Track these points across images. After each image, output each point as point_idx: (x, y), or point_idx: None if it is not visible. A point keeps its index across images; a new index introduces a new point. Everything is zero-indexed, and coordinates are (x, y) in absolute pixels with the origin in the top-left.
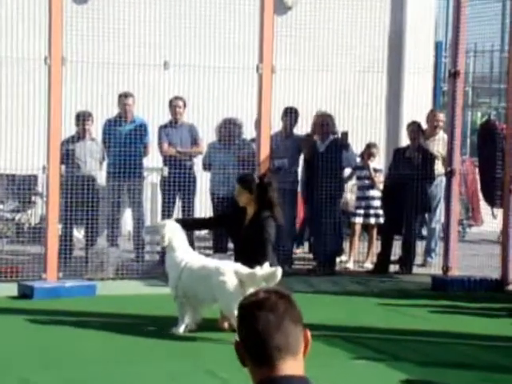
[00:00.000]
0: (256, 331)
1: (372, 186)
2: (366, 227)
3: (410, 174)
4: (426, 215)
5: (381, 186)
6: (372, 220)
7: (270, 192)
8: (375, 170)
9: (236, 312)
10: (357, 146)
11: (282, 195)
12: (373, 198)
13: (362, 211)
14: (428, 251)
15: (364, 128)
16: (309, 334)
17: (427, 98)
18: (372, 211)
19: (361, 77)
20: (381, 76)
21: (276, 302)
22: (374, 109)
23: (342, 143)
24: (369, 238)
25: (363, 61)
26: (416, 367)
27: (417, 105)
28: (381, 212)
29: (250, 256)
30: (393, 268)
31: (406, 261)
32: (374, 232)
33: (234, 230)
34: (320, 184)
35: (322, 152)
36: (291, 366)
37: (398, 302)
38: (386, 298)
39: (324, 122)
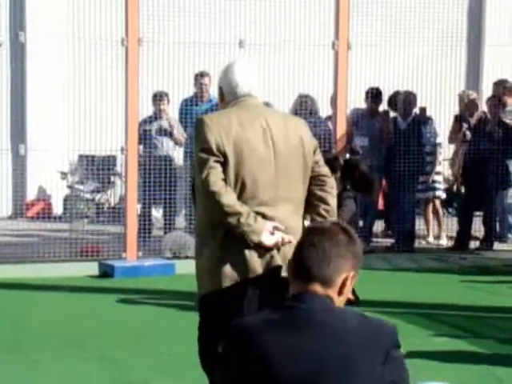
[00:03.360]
0: (300, 247)
1: None
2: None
3: (491, 149)
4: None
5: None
6: (437, 193)
7: (359, 170)
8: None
9: None
10: (436, 122)
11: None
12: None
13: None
14: (509, 227)
15: (443, 103)
16: (350, 277)
17: (508, 71)
18: (432, 185)
19: (439, 50)
20: (460, 49)
21: (335, 233)
22: (453, 83)
23: (420, 119)
24: (436, 214)
25: (442, 34)
26: (497, 344)
27: (497, 78)
28: (440, 186)
29: None
30: (473, 244)
31: (487, 237)
32: (439, 206)
33: None
34: (400, 161)
35: (404, 129)
36: (319, 290)
37: (479, 278)
38: (467, 274)
39: (407, 100)
